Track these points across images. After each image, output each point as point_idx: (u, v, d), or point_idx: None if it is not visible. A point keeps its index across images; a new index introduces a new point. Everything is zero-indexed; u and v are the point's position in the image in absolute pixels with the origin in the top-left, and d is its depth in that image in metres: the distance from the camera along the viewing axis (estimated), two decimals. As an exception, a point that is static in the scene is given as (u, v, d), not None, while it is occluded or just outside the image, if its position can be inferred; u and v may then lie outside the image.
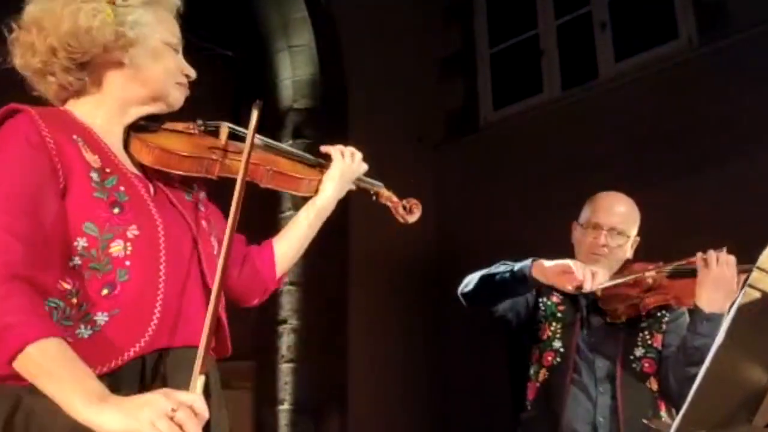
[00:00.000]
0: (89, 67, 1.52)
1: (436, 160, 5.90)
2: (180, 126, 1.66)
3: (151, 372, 1.41)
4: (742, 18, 4.67)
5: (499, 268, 2.51)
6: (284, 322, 4.88)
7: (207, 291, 1.48)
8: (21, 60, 1.52)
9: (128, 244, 1.41)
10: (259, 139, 1.70)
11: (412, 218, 2.01)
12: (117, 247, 1.40)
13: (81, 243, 1.39)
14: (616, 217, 2.59)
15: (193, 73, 1.63)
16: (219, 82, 5.21)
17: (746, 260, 2.32)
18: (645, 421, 2.29)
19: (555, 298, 2.58)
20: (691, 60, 4.89)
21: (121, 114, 1.57)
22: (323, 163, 1.88)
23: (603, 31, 5.44)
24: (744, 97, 4.48)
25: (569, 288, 2.32)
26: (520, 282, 2.41)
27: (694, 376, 2.43)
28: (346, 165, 1.87)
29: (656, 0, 5.27)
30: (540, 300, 2.59)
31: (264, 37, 5.54)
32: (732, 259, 2.38)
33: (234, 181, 1.55)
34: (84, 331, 1.35)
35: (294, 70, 5.48)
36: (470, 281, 2.59)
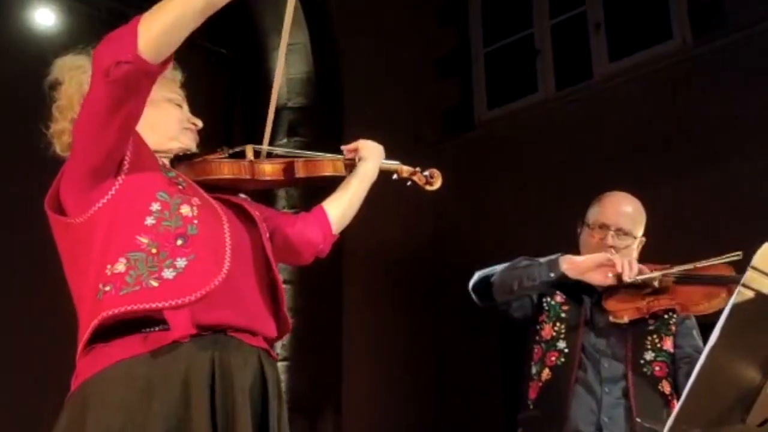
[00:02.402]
0: None
1: (432, 159, 5.87)
2: (210, 156, 1.90)
3: (220, 370, 1.56)
4: (737, 18, 4.69)
5: (521, 263, 2.51)
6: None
7: (269, 276, 1.76)
8: (59, 146, 1.80)
9: (194, 208, 1.66)
10: (279, 150, 2.01)
11: (437, 184, 2.19)
12: (185, 209, 1.65)
13: (155, 206, 1.62)
14: (624, 217, 2.58)
15: (199, 123, 1.90)
16: (214, 80, 5.20)
17: (742, 260, 2.33)
18: (638, 419, 2.30)
19: (559, 298, 2.57)
20: (685, 60, 4.90)
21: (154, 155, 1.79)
22: (332, 156, 2.07)
23: (597, 30, 5.45)
24: (738, 97, 4.49)
25: (607, 281, 2.33)
26: (548, 278, 2.42)
27: None
28: (369, 144, 2.13)
29: (651, 0, 5.28)
30: (544, 300, 2.58)
31: (259, 35, 5.52)
32: None
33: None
34: (168, 273, 1.57)
35: (289, 68, 5.47)
36: (485, 276, 2.58)
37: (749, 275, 1.52)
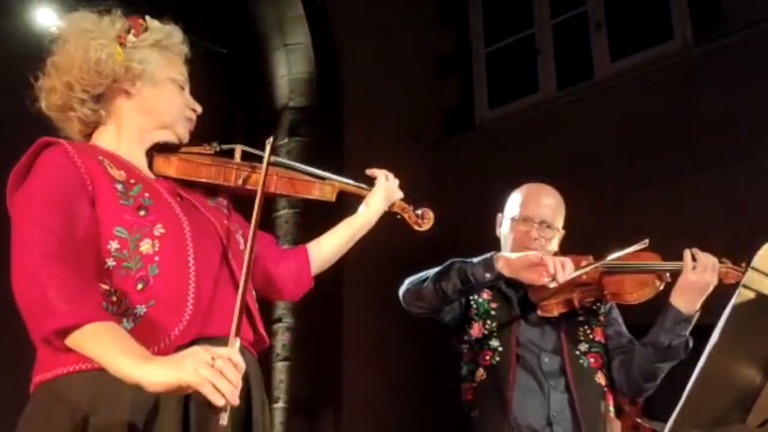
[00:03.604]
0: (103, 99, 1.69)
1: (432, 159, 5.90)
2: (196, 148, 1.81)
3: None
4: (737, 18, 4.69)
5: (454, 266, 2.40)
6: (279, 320, 4.87)
7: (237, 285, 1.58)
8: (45, 102, 1.71)
9: (156, 241, 1.55)
10: (273, 158, 1.84)
11: (426, 226, 2.09)
12: (146, 246, 1.54)
13: (113, 245, 1.53)
14: (546, 209, 2.54)
15: (199, 108, 1.79)
16: (214, 79, 5.20)
17: (742, 260, 2.33)
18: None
19: (486, 295, 2.51)
20: (686, 60, 4.91)
21: (140, 141, 1.71)
22: (330, 178, 1.97)
23: (598, 30, 5.46)
24: (739, 97, 4.49)
25: (541, 280, 2.27)
26: (484, 278, 2.33)
27: (663, 371, 2.42)
28: (389, 186, 2.04)
29: (651, 0, 5.28)
30: (471, 298, 2.51)
31: (260, 35, 5.53)
32: (717, 264, 2.35)
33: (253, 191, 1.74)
34: (127, 324, 1.47)
35: (290, 68, 5.47)
36: (417, 283, 2.47)
37: (750, 276, 1.52)
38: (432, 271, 2.43)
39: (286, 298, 2.00)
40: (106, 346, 1.36)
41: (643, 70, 5.07)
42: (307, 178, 1.92)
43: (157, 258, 1.53)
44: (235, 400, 1.30)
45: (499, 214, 2.67)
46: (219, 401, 1.28)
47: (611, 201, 4.72)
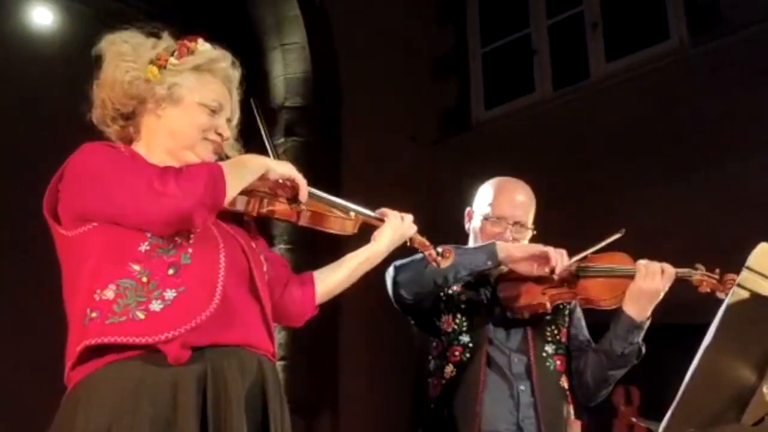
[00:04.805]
0: (132, 117, 1.78)
1: (430, 159, 5.91)
2: None
3: (212, 375, 1.56)
4: (734, 19, 4.69)
5: (455, 251, 2.26)
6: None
7: (259, 300, 1.71)
8: (92, 113, 1.80)
9: (191, 234, 1.62)
10: None
11: (445, 264, 2.04)
12: (180, 237, 1.61)
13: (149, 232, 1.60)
14: (520, 210, 2.47)
15: (226, 134, 1.83)
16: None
17: (737, 260, 2.33)
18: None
19: (456, 287, 2.39)
20: (682, 60, 4.91)
21: (170, 159, 1.76)
22: (358, 210, 1.96)
23: (594, 31, 5.46)
24: (735, 98, 4.50)
25: (535, 272, 2.25)
26: (485, 266, 2.28)
27: (616, 378, 2.40)
28: (399, 224, 2.01)
29: (648, 0, 5.29)
30: None
31: (257, 35, 5.53)
32: (671, 272, 2.30)
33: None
34: (156, 305, 1.54)
35: (286, 67, 5.47)
36: (410, 268, 2.33)
37: (744, 275, 1.53)
38: (418, 257, 2.24)
39: (288, 323, 2.02)
40: (244, 162, 1.71)
41: (639, 71, 5.08)
42: (331, 212, 1.92)
43: (190, 249, 1.61)
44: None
45: (469, 208, 2.58)
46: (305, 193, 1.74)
47: (607, 201, 4.73)
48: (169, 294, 1.55)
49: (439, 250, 2.02)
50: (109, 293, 1.54)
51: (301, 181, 1.74)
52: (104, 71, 1.76)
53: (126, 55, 1.75)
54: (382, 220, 1.99)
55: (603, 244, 2.36)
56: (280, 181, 1.76)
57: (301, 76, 5.45)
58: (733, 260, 2.37)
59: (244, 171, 1.67)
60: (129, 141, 1.80)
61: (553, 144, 5.22)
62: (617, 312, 2.35)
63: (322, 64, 5.50)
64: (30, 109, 4.43)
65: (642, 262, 2.32)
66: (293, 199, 1.75)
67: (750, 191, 4.27)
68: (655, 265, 2.30)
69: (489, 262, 2.29)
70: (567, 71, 5.58)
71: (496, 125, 5.81)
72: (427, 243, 2.05)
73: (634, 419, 2.83)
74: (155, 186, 1.54)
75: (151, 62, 1.75)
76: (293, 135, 5.25)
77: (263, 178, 1.73)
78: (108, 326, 1.52)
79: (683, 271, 2.32)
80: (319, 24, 5.53)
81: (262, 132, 1.91)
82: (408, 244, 2.04)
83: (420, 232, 2.05)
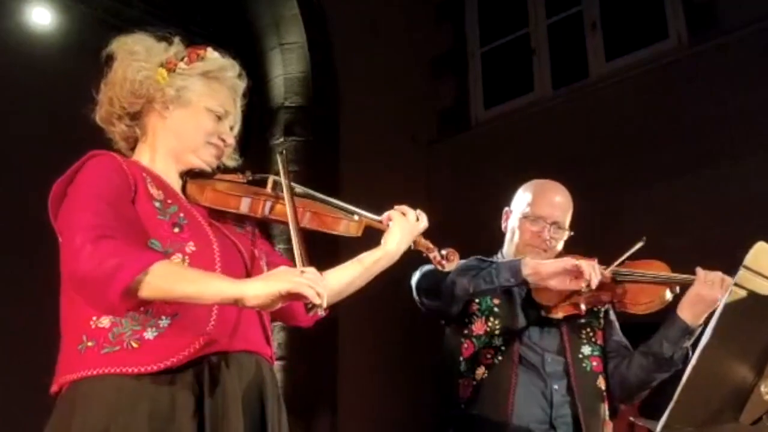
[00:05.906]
0: (139, 117, 1.79)
1: (428, 159, 5.91)
2: (228, 176, 1.88)
3: (209, 375, 1.56)
4: (732, 18, 4.70)
5: (474, 263, 2.38)
6: (273, 320, 4.88)
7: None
8: (97, 113, 1.81)
9: (186, 257, 1.61)
10: (300, 188, 1.89)
11: (450, 266, 2.02)
12: (177, 260, 1.59)
13: None
14: (558, 210, 2.52)
15: (230, 140, 1.85)
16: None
17: (734, 260, 2.34)
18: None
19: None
20: (681, 60, 4.91)
21: (174, 160, 1.80)
22: (363, 215, 1.95)
23: (594, 30, 5.46)
24: (734, 97, 4.50)
25: (569, 287, 2.25)
26: (508, 283, 2.31)
27: (658, 380, 2.41)
28: (407, 224, 1.98)
29: (647, 0, 5.29)
30: None
31: (256, 35, 5.52)
32: (730, 282, 2.35)
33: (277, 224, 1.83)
34: (149, 333, 1.54)
35: (285, 67, 5.47)
36: (436, 276, 2.36)
37: (742, 274, 1.53)
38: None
39: (297, 324, 2.02)
40: (192, 277, 1.50)
41: (638, 70, 5.08)
42: (335, 213, 1.92)
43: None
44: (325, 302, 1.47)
45: (507, 208, 2.64)
46: (317, 300, 1.45)
47: (606, 201, 4.73)
48: (164, 321, 1.55)
49: (444, 252, 2.01)
50: (105, 321, 1.54)
51: (306, 291, 1.46)
52: (114, 70, 1.78)
53: (138, 54, 1.77)
54: (387, 225, 1.97)
55: (632, 251, 2.38)
56: None
57: (300, 75, 5.45)
58: (730, 259, 2.38)
59: (184, 285, 1.48)
60: (134, 141, 1.82)
61: (553, 143, 5.22)
62: (671, 316, 2.38)
63: (322, 64, 5.50)
64: (29, 109, 4.43)
65: (701, 269, 2.34)
66: (311, 306, 1.50)
67: (748, 190, 4.27)
68: (716, 275, 2.32)
69: (512, 279, 2.30)
70: (566, 71, 5.58)
71: (495, 125, 5.81)
72: (431, 245, 2.03)
73: (633, 419, 2.82)
74: (80, 242, 1.48)
75: (162, 65, 1.78)
76: (292, 134, 5.25)
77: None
78: (103, 357, 1.52)
79: None
80: (318, 23, 5.53)
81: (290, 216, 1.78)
82: (412, 247, 2.01)
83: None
